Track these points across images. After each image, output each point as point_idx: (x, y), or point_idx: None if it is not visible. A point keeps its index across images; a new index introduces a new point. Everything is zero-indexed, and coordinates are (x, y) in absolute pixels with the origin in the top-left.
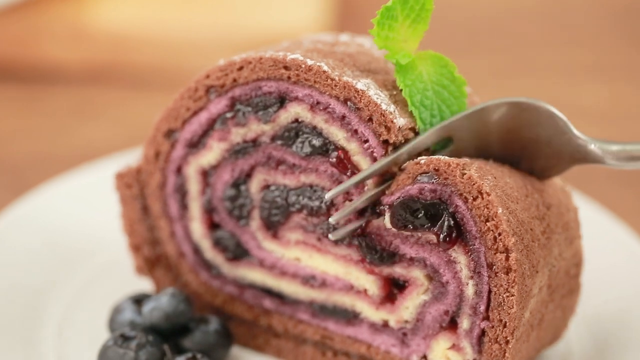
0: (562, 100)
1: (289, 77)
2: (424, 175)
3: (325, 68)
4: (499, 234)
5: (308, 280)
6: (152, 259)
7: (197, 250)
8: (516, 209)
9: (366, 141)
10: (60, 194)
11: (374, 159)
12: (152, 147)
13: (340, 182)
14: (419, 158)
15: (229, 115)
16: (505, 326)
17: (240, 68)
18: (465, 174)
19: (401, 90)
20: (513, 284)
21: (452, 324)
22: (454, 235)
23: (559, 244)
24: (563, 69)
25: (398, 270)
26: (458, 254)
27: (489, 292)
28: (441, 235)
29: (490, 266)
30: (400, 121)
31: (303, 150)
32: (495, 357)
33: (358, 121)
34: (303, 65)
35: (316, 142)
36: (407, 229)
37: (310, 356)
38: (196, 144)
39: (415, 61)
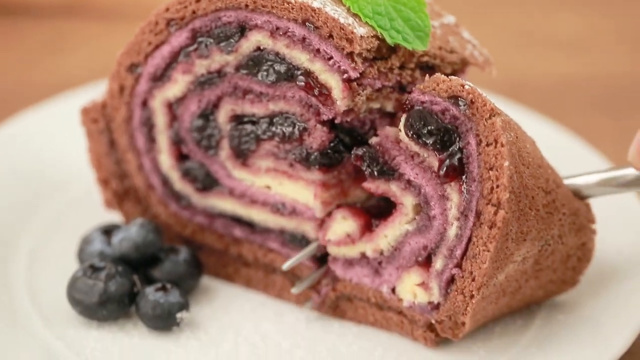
0: (536, 31)
1: (246, 5)
2: (458, 99)
3: None
4: (497, 186)
5: (278, 208)
6: (121, 192)
7: (166, 182)
8: (524, 172)
9: (330, 58)
10: (32, 124)
11: (343, 73)
12: (116, 81)
13: (310, 107)
14: (466, 81)
15: (191, 48)
16: (474, 280)
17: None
18: (491, 118)
19: (349, 8)
20: (492, 240)
21: (426, 262)
22: (456, 170)
23: (562, 225)
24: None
25: (393, 189)
26: (452, 191)
27: (469, 240)
28: (444, 165)
29: (478, 215)
30: (361, 30)
31: (268, 78)
32: (457, 308)
33: (319, 40)
34: None
35: (280, 68)
36: (414, 139)
37: (280, 285)
38: (160, 77)
39: None
